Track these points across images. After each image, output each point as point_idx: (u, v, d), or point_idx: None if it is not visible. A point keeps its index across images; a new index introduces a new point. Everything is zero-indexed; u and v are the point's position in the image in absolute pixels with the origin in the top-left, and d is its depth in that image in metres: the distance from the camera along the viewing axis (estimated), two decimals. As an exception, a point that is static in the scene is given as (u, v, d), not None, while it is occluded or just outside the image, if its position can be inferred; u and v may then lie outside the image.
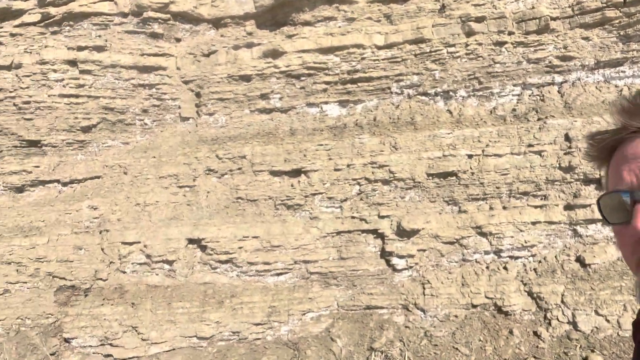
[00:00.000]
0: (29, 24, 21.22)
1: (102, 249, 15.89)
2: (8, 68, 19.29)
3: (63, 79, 18.91)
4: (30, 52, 19.60)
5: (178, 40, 20.72)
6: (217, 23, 21.58)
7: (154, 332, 13.44)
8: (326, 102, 18.71)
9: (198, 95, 20.10)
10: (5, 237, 16.25)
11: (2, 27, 21.12)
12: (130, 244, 15.26)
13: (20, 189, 18.22)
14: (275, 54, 19.19)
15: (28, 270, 15.39)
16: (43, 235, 16.12)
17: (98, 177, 18.00)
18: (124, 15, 20.45)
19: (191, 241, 15.31)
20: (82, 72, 19.12)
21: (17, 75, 19.23)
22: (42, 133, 18.35)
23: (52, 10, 20.95)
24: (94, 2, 20.32)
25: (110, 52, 18.98)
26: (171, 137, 18.67)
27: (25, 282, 15.46)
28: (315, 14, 19.69)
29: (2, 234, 16.31)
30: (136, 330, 13.47)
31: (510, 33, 16.21)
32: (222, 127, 19.04)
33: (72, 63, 19.21)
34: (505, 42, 16.97)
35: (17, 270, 15.47)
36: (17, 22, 21.33)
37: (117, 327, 13.40)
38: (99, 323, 13.53)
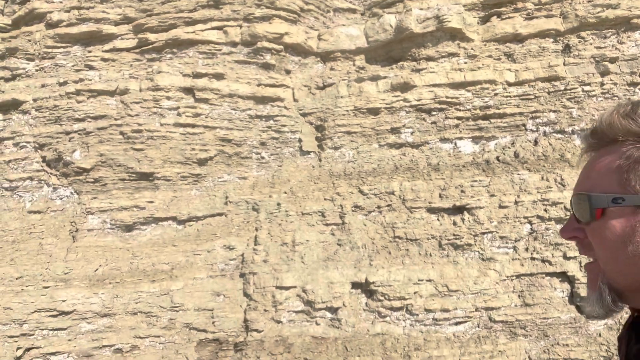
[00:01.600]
0: (121, 50, 19.61)
1: (248, 295, 13.72)
2: (111, 94, 17.40)
3: (178, 107, 17.21)
4: (137, 78, 17.84)
5: (287, 72, 19.59)
6: (326, 57, 20.64)
7: (339, 394, 11.23)
8: (460, 138, 17.68)
9: (319, 128, 18.73)
10: (127, 282, 13.82)
11: (90, 52, 19.41)
12: (287, 288, 13.24)
13: (129, 227, 15.91)
14: (405, 87, 18.27)
15: (160, 322, 12.94)
16: (174, 280, 13.82)
17: (221, 214, 15.99)
18: (234, 44, 19.24)
19: (355, 285, 13.40)
20: (199, 100, 17.54)
21: (122, 102, 17.39)
22: (156, 165, 16.40)
23: (151, 37, 19.52)
24: (202, 30, 19.06)
25: (228, 81, 17.50)
26: (296, 171, 17.06)
27: (158, 336, 13.00)
28: (439, 50, 19.04)
29: (122, 279, 13.86)
30: (319, 392, 11.23)
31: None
32: (349, 161, 17.61)
33: (188, 91, 17.64)
34: (639, 83, 16.71)
35: (146, 322, 12.98)
36: (108, 47, 19.74)
37: None
38: None
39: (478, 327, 13.41)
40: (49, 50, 19.70)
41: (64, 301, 13.12)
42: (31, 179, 17.09)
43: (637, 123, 1.07)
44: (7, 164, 17.22)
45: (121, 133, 17.07)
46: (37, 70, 18.84)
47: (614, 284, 1.10)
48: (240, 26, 19.79)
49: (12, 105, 17.96)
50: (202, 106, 17.51)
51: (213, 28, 19.49)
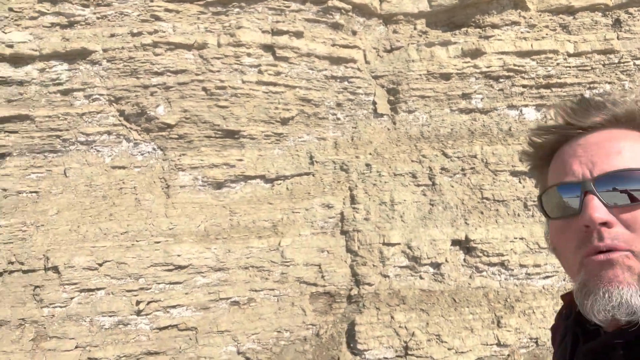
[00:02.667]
0: (184, 0, 19.00)
1: (352, 251, 14.35)
2: (188, 48, 16.94)
3: (259, 65, 17.03)
4: (213, 32, 17.38)
5: (354, 33, 19.63)
6: (388, 19, 20.84)
7: (457, 341, 12.30)
8: (525, 106, 18.66)
9: (391, 91, 19.15)
10: (234, 237, 14.06)
11: (152, 2, 18.68)
12: (393, 245, 13.97)
13: (220, 185, 15.97)
14: (475, 53, 18.83)
15: (273, 276, 13.41)
16: (281, 236, 14.20)
17: (309, 174, 16.31)
18: (303, 2, 19.11)
19: (454, 242, 14.33)
20: (279, 58, 17.38)
21: (201, 57, 16.98)
22: (242, 123, 16.39)
23: None
24: (272, -15, 18.65)
25: (306, 40, 17.41)
26: (375, 133, 17.56)
27: (272, 289, 13.51)
28: (503, 18, 19.67)
29: (229, 235, 14.09)
30: (440, 339, 12.24)
31: None
32: (423, 125, 18.24)
33: (268, 48, 17.41)
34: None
35: (259, 276, 13.40)
36: (168, -4, 18.99)
37: (420, 335, 12.08)
38: (394, 332, 12.10)
39: (564, 280, 14.72)
40: (100, -2, 18.64)
41: (179, 255, 13.26)
42: (109, 133, 16.61)
43: (633, 106, 1.10)
44: (80, 117, 16.56)
45: (204, 89, 16.77)
46: (98, 18, 17.85)
47: None
48: (310, -18, 19.46)
49: (79, 55, 17.07)
50: (282, 64, 17.41)
51: (283, -17, 19.01)
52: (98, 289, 13.21)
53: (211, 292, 13.57)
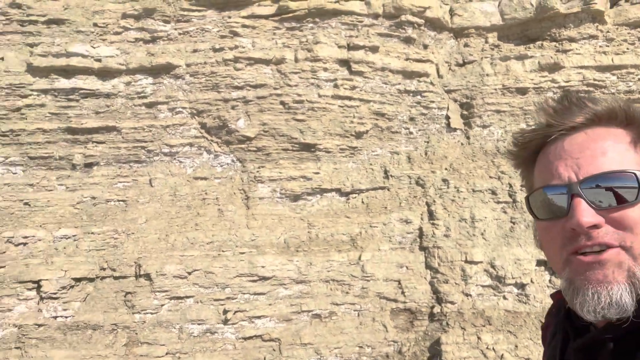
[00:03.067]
0: (260, 17, 19.32)
1: (433, 268, 14.13)
2: (267, 63, 17.26)
3: (335, 79, 17.19)
4: (290, 47, 17.67)
5: (425, 47, 19.46)
6: (459, 33, 20.58)
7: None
8: (605, 121, 17.93)
9: (464, 105, 18.91)
10: (314, 250, 14.13)
11: (230, 17, 19.11)
12: (475, 263, 13.64)
13: (296, 197, 16.14)
14: (553, 67, 18.34)
15: (353, 290, 13.37)
16: (361, 250, 14.16)
17: (384, 188, 16.26)
18: (376, 16, 19.12)
19: (539, 263, 13.85)
20: (354, 73, 17.48)
21: (279, 71, 17.27)
22: (318, 136, 16.53)
23: (292, 5, 19.20)
24: (347, 0, 18.76)
25: (380, 54, 17.42)
26: (449, 148, 17.36)
27: (353, 304, 13.47)
28: (580, 31, 19.05)
29: (310, 247, 14.17)
30: (528, 362, 11.85)
31: None
32: (499, 140, 17.87)
33: (343, 62, 17.54)
34: None
35: (340, 290, 13.38)
36: (246, 13, 19.43)
37: (510, 358, 11.71)
38: (482, 353, 11.77)
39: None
40: (185, 13, 19.29)
41: (263, 267, 13.46)
42: (191, 145, 17.15)
43: (614, 104, 1.09)
44: (164, 129, 17.16)
45: (281, 103, 17.10)
46: (180, 34, 18.51)
47: None
48: (381, -3, 19.51)
49: (164, 69, 17.73)
50: (357, 79, 17.51)
51: (357, -1, 19.15)
52: (187, 297, 13.58)
53: (293, 304, 13.73)
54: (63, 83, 17.93)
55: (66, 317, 13.68)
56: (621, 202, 1.01)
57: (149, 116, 18.02)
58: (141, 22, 19.58)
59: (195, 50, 18.24)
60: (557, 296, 1.20)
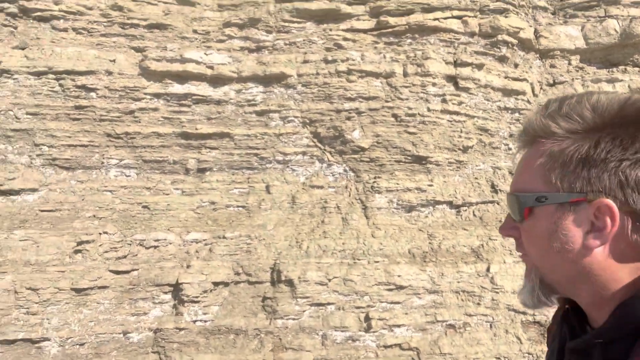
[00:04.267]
0: (358, 30, 19.75)
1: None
2: (376, 76, 17.62)
3: (444, 94, 17.63)
4: (399, 62, 18.06)
5: (516, 66, 20.07)
6: (544, 54, 21.38)
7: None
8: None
9: (559, 124, 19.38)
10: (442, 261, 14.40)
11: (330, 30, 19.51)
12: None
13: (411, 208, 16.39)
14: (643, 92, 19.04)
15: (484, 302, 13.63)
16: (486, 262, 14.45)
17: (493, 202, 16.62)
18: (471, 35, 19.67)
19: None
20: (461, 88, 17.90)
21: (389, 85, 17.69)
22: (430, 149, 16.85)
23: (391, 20, 19.68)
24: (445, 18, 19.33)
25: (484, 72, 17.92)
26: (550, 165, 17.75)
27: (485, 315, 13.73)
28: (662, 58, 19.84)
29: (437, 258, 14.42)
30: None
31: None
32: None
33: (450, 78, 17.96)
34: None
35: (471, 301, 13.63)
36: (345, 26, 19.86)
37: None
38: None
39: None
40: (285, 24, 19.61)
41: (399, 276, 13.65)
42: (304, 153, 17.38)
43: (554, 121, 1.12)
44: (277, 137, 17.36)
45: (393, 115, 17.50)
46: (286, 45, 18.80)
47: (545, 278, 1.17)
48: (476, 17, 20.04)
49: (275, 78, 17.96)
50: (463, 95, 17.96)
51: (453, 17, 19.64)
52: (328, 304, 13.65)
53: (428, 314, 13.97)
54: (177, 88, 18.09)
55: (205, 321, 13.67)
56: (516, 219, 1.19)
57: (260, 124, 18.22)
58: (244, 31, 19.86)
59: (305, 61, 18.56)
60: (561, 299, 1.28)
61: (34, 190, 16.51)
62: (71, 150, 17.27)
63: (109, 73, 17.81)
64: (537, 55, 22.05)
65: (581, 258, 1.09)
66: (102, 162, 17.35)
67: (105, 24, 19.42)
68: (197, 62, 18.26)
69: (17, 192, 16.38)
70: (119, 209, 16.27)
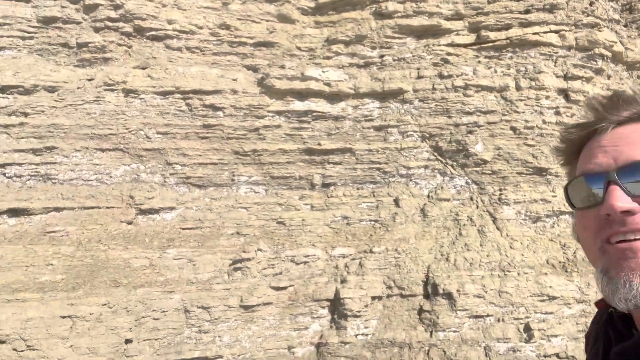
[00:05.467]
0: (459, 45, 20.22)
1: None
2: (490, 90, 18.05)
3: (557, 107, 18.11)
4: (509, 75, 18.52)
5: (609, 77, 20.59)
6: (631, 66, 21.94)
7: None
8: None
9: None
10: (582, 271, 14.72)
11: (432, 45, 19.98)
12: None
13: (536, 219, 16.73)
14: None
15: (572, 309, 14.03)
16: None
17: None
18: (568, 48, 20.22)
19: None
20: (571, 101, 18.36)
21: (503, 98, 18.10)
22: (550, 161, 17.19)
23: (491, 35, 20.17)
24: (544, 32, 19.87)
25: (591, 85, 18.41)
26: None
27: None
28: None
29: (578, 268, 14.76)
30: None
31: None
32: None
33: (561, 91, 18.43)
34: None
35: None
36: (446, 41, 20.33)
37: None
38: None
39: None
40: (387, 40, 20.08)
41: (550, 287, 13.93)
42: (425, 167, 17.69)
43: None
44: (399, 152, 17.71)
45: (512, 128, 17.83)
46: (395, 60, 19.28)
47: None
48: (571, 31, 20.55)
49: (392, 94, 18.38)
50: (574, 107, 18.36)
51: (551, 31, 20.16)
52: (487, 316, 13.91)
53: (578, 323, 14.23)
54: (297, 105, 18.51)
55: (366, 335, 13.87)
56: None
57: (379, 138, 18.63)
58: (350, 47, 20.27)
59: (420, 77, 18.96)
60: (600, 304, 1.24)
61: (171, 208, 16.77)
62: (202, 169, 17.57)
63: (234, 92, 18.17)
64: (625, 67, 22.63)
65: None
66: (233, 180, 17.64)
67: (214, 42, 19.85)
68: (316, 80, 18.62)
69: (156, 211, 16.60)
70: (256, 225, 16.52)
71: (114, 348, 12.80)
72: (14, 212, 16.18)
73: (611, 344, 1.13)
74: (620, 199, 1.04)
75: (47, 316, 13.19)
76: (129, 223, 16.49)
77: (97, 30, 19.29)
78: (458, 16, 22.03)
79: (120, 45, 19.53)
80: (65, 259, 14.76)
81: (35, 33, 18.86)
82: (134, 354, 13.01)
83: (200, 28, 20.75)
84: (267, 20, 21.96)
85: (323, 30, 22.17)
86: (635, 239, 1.04)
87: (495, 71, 19.84)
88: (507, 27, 21.69)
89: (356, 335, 14.28)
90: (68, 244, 15.10)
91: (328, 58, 21.20)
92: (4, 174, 16.84)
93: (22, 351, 12.65)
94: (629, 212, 1.04)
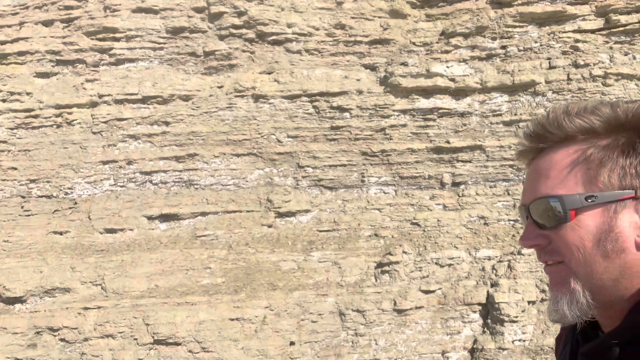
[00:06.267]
0: (586, 31, 18.70)
1: None
2: (630, 78, 16.66)
3: None
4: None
5: None
6: None
7: None
8: None
9: None
10: None
11: (557, 33, 18.59)
12: None
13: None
14: None
15: None
16: None
17: None
18: None
19: None
20: None
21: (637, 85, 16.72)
22: None
23: (622, 19, 18.49)
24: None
25: None
26: None
27: None
28: None
29: None
30: None
31: None
32: None
33: None
34: None
35: None
36: (571, 27, 18.90)
37: None
38: None
39: None
40: (508, 29, 19.02)
41: None
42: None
43: (588, 119, 1.12)
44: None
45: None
46: (521, 51, 18.38)
47: (587, 283, 1.11)
48: None
49: (522, 87, 17.54)
50: None
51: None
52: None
53: None
54: (423, 103, 18.11)
55: (524, 341, 13.37)
56: (550, 225, 1.13)
57: (510, 134, 18.04)
58: (469, 39, 19.52)
59: (552, 67, 17.97)
60: None
61: (307, 211, 17.01)
62: (332, 171, 17.75)
63: (359, 92, 18.11)
64: None
65: (632, 257, 1.08)
66: (362, 181, 17.69)
67: (330, 42, 19.92)
68: (441, 76, 18.18)
69: (292, 214, 16.92)
70: (392, 226, 16.44)
71: (280, 350, 13.24)
72: (165, 218, 17.09)
73: (579, 346, 1.21)
74: (525, 236, 1.17)
75: (217, 319, 13.82)
76: (269, 226, 16.95)
77: (221, 37, 19.88)
78: (583, 0, 20.69)
79: (244, 51, 20.02)
80: (221, 262, 15.39)
81: (164, 44, 19.72)
82: (298, 356, 13.38)
83: (317, 29, 20.89)
84: (380, 17, 21.72)
85: (436, 23, 21.64)
86: (550, 264, 1.18)
87: (634, 57, 18.41)
88: (638, 9, 20.08)
89: (513, 341, 13.88)
90: (220, 247, 15.74)
91: (447, 52, 20.67)
92: (151, 181, 17.80)
93: (197, 353, 13.33)
94: (537, 245, 1.16)
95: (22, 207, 16.89)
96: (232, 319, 14.22)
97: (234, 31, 20.29)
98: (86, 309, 14.70)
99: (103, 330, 14.26)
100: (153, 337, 14.18)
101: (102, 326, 14.42)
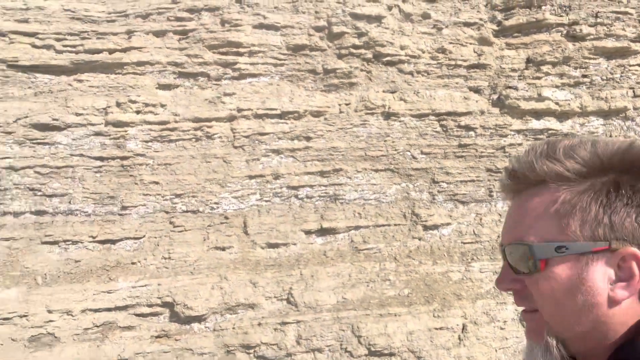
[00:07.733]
0: None
1: None
2: None
3: None
4: None
5: None
6: None
7: None
8: None
9: None
10: None
11: (620, 66, 21.42)
12: None
13: None
14: None
15: None
16: None
17: None
18: None
19: None
20: None
21: None
22: None
23: None
24: None
25: None
26: None
27: None
28: None
29: None
30: None
31: None
32: None
33: None
34: None
35: None
36: (636, 61, 21.81)
37: None
38: None
39: None
40: (586, 60, 21.47)
41: None
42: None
43: (562, 164, 1.08)
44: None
45: None
46: (603, 80, 20.65)
47: (560, 335, 1.10)
48: None
49: (614, 112, 19.69)
50: None
51: None
52: None
53: None
54: (535, 124, 19.64)
55: None
56: (524, 271, 1.12)
57: (608, 154, 19.77)
58: (557, 68, 21.52)
59: (636, 96, 20.25)
60: None
61: (448, 224, 17.75)
62: (464, 186, 18.60)
63: (482, 112, 19.28)
64: None
65: (604, 311, 1.05)
66: (490, 195, 18.69)
67: (435, 65, 20.97)
68: (549, 99, 19.87)
69: (436, 227, 17.60)
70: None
71: (487, 357, 13.72)
72: (322, 232, 17.06)
73: None
74: (502, 279, 1.17)
75: (423, 328, 14.08)
76: (419, 239, 17.49)
77: (340, 56, 20.32)
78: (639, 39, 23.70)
79: (362, 70, 20.58)
80: (395, 274, 15.68)
81: (285, 60, 19.81)
82: (497, 362, 13.98)
83: (423, 52, 21.92)
84: (471, 44, 23.23)
85: (519, 51, 23.54)
86: (526, 311, 1.17)
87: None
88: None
89: None
90: (388, 260, 16.03)
91: (538, 78, 22.54)
92: (296, 196, 17.72)
93: (410, 362, 13.54)
94: (510, 290, 1.16)
95: (171, 222, 16.17)
96: (437, 328, 14.59)
97: (354, 51, 20.83)
98: (284, 323, 14.37)
99: (309, 344, 14.03)
100: (368, 348, 14.18)
101: (308, 340, 14.18)
